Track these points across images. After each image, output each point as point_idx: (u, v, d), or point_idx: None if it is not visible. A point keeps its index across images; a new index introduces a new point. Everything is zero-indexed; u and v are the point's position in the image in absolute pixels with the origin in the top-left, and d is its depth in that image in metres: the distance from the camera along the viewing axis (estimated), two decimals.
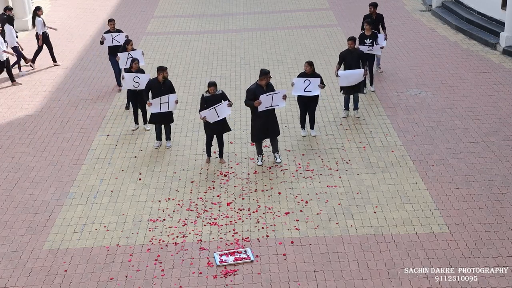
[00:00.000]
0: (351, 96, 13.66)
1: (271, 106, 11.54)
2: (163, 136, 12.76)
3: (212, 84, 11.56)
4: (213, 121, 11.67)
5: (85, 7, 24.62)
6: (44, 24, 17.50)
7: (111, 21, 15.87)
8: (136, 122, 13.58)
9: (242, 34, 20.17)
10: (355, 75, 13.18)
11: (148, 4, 24.49)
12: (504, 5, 17.76)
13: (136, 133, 13.38)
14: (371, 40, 14.60)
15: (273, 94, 11.44)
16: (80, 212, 10.55)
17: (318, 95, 12.55)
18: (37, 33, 17.50)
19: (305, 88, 12.33)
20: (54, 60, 17.98)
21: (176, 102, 12.26)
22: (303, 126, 12.92)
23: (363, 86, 13.58)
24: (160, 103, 12.09)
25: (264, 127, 11.64)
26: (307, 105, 12.64)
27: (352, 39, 13.35)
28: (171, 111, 12.44)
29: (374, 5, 15.90)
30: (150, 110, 12.24)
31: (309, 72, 12.37)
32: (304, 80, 12.31)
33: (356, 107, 13.66)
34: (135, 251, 9.45)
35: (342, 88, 13.49)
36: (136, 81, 12.88)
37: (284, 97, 11.63)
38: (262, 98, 11.40)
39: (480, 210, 10.09)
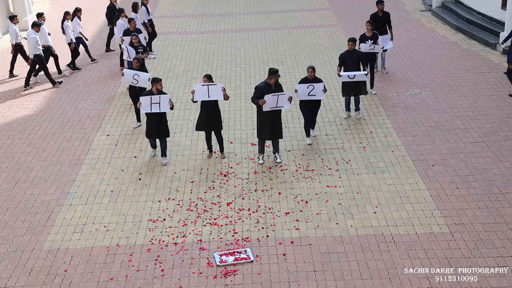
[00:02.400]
0: (352, 97, 13.62)
1: (276, 107, 11.52)
2: (159, 153, 12.25)
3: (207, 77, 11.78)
4: (201, 99, 11.65)
5: (85, 7, 24.58)
6: (148, 12, 18.16)
7: (131, 20, 16.11)
8: (138, 119, 13.56)
9: (242, 34, 20.17)
10: (357, 76, 13.03)
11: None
12: (504, 5, 17.76)
13: (136, 133, 13.37)
14: (372, 41, 14.52)
15: (278, 95, 11.43)
16: (80, 212, 10.56)
17: (320, 103, 12.52)
18: (143, 21, 18.20)
19: (309, 93, 12.20)
20: (150, 49, 18.58)
21: (171, 106, 11.69)
22: (308, 134, 12.62)
23: (364, 88, 13.33)
24: (150, 103, 11.60)
25: (268, 128, 11.63)
26: (312, 111, 12.49)
27: (352, 40, 13.22)
28: (166, 126, 11.92)
29: (381, 2, 15.85)
30: (141, 110, 11.78)
31: (312, 77, 12.18)
32: (307, 85, 12.16)
33: (357, 108, 13.57)
34: (135, 251, 9.45)
35: (343, 90, 13.35)
36: (135, 78, 12.88)
37: (290, 99, 11.56)
38: (267, 98, 11.39)
39: (480, 210, 10.09)
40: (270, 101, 11.44)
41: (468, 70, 16.14)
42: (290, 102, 11.68)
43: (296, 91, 12.24)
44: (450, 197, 10.52)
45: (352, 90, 13.26)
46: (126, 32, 16.01)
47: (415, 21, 20.86)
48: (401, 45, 18.28)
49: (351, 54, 13.22)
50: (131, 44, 14.98)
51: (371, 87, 14.92)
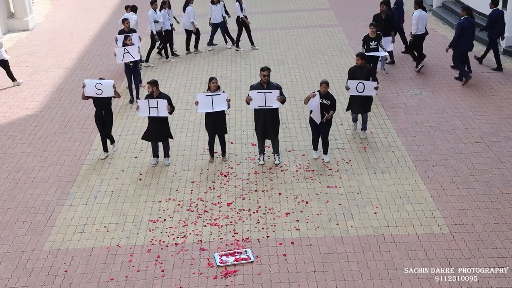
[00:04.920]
0: (360, 116, 12.87)
1: (265, 106, 11.43)
2: (161, 154, 12.13)
3: (212, 79, 11.64)
4: (205, 111, 11.53)
5: (86, 7, 24.64)
6: (241, 8, 18.24)
7: (125, 20, 16.08)
8: (105, 149, 12.50)
9: (243, 34, 20.12)
10: (366, 89, 12.24)
11: (149, 4, 24.43)
12: (504, 5, 17.74)
13: (137, 133, 13.36)
14: (375, 42, 14.43)
15: (265, 92, 11.32)
16: (80, 212, 10.56)
17: (330, 121, 11.74)
18: (237, 16, 18.34)
19: (316, 106, 11.47)
20: (252, 43, 18.81)
21: (170, 111, 11.49)
22: (315, 148, 12.01)
23: (371, 104, 12.69)
24: (149, 107, 11.46)
25: (262, 126, 11.61)
26: (320, 128, 11.75)
27: (360, 55, 12.46)
28: (168, 128, 11.85)
29: (385, 3, 15.82)
30: (138, 113, 11.71)
31: (325, 92, 11.47)
32: (319, 103, 11.44)
33: (364, 128, 12.75)
34: (135, 251, 9.45)
35: (349, 107, 12.68)
36: (98, 88, 11.85)
37: (279, 98, 11.34)
38: (252, 95, 11.35)
39: (481, 211, 10.09)
40: (256, 99, 11.36)
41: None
42: (283, 103, 11.55)
43: (314, 95, 11.45)
44: (450, 197, 10.52)
45: (360, 107, 12.53)
46: (121, 32, 15.95)
47: None
48: (401, 45, 18.25)
49: (361, 69, 12.49)
50: (125, 45, 14.85)
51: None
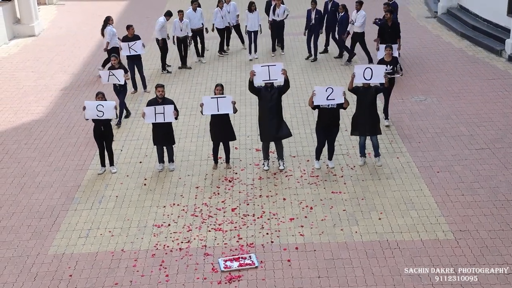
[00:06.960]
0: (369, 141, 11.99)
1: (269, 79, 11.40)
2: (166, 159, 12.13)
3: (218, 85, 11.68)
4: (210, 113, 11.55)
5: (91, 13, 24.75)
6: (274, 12, 18.39)
7: (130, 27, 16.00)
8: (103, 164, 12.22)
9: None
10: (375, 75, 11.39)
11: (154, 10, 24.58)
12: (510, 11, 17.77)
13: (141, 138, 13.39)
14: (391, 66, 13.05)
15: (268, 66, 11.32)
16: (85, 217, 10.58)
17: (338, 128, 11.58)
18: (273, 20, 18.53)
19: (327, 96, 11.08)
20: (274, 48, 19.06)
21: (176, 116, 11.61)
22: (318, 158, 11.80)
23: (379, 127, 11.68)
24: (155, 113, 11.53)
25: (268, 128, 11.59)
26: (327, 135, 11.54)
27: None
28: (171, 133, 11.91)
29: (390, 11, 15.79)
30: (145, 120, 11.73)
31: None
32: (326, 88, 11.12)
33: (377, 154, 11.79)
34: (139, 256, 9.46)
35: (354, 130, 11.79)
36: (99, 110, 11.58)
37: (284, 72, 11.32)
38: (256, 69, 11.36)
39: (486, 217, 10.07)
40: (260, 73, 11.36)
41: (473, 77, 16.13)
42: (288, 81, 11.44)
43: (314, 93, 11.17)
44: (455, 203, 10.50)
45: (368, 128, 11.56)
46: (125, 39, 15.88)
47: (420, 27, 20.87)
48: (406, 51, 18.26)
49: (366, 89, 11.54)
50: (112, 68, 14.23)
51: (386, 117, 13.51)
